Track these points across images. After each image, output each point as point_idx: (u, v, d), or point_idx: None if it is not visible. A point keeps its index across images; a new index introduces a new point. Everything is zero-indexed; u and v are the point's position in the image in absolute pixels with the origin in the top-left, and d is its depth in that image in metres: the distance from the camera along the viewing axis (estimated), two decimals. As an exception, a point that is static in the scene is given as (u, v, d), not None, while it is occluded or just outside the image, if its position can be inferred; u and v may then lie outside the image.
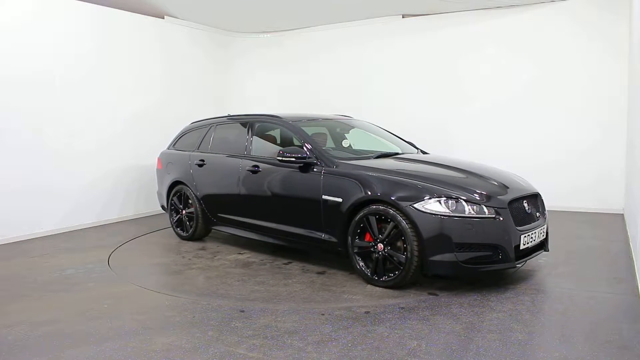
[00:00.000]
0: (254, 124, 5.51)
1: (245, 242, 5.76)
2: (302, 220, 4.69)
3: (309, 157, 4.63)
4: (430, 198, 3.87)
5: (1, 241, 5.91)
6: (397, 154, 5.10)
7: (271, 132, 5.53)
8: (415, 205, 3.87)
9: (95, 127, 6.92)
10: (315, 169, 4.57)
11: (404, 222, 3.88)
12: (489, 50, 7.67)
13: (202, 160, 5.77)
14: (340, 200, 4.32)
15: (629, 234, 5.55)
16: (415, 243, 3.84)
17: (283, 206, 4.89)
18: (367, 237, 4.14)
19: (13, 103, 6.00)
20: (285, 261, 4.99)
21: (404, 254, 3.90)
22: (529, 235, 4.03)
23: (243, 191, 5.27)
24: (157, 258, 5.34)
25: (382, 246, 4.03)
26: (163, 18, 7.99)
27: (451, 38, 7.89)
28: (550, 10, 7.23)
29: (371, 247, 4.11)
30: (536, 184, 7.25)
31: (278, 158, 4.75)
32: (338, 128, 5.67)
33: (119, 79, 7.24)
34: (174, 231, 6.16)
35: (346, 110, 7.51)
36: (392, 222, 3.95)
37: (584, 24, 7.05)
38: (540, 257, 4.84)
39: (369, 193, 4.13)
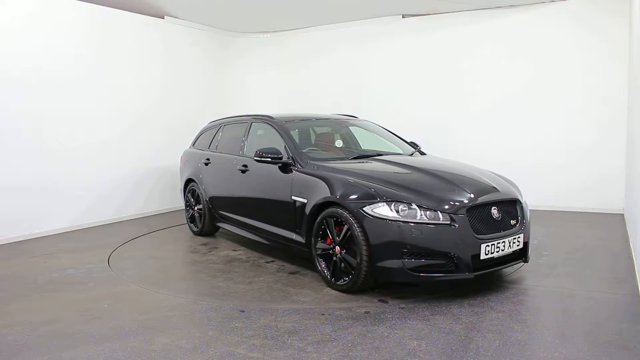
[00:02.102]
0: (250, 124, 5.62)
1: (246, 240, 5.78)
2: (278, 220, 4.75)
3: (284, 157, 4.67)
4: (379, 202, 3.74)
5: (1, 241, 5.91)
6: (380, 154, 4.93)
7: (264, 133, 5.56)
8: (365, 209, 3.76)
9: (95, 127, 6.92)
10: (291, 169, 4.61)
11: (355, 226, 3.78)
12: (489, 50, 7.68)
13: (208, 159, 6.00)
14: (305, 201, 4.32)
15: (629, 234, 5.55)
16: (364, 247, 3.73)
17: (265, 205, 4.98)
18: (329, 239, 4.09)
19: (13, 103, 6.00)
20: (269, 259, 5.07)
21: (356, 259, 3.82)
22: (493, 244, 3.75)
23: (236, 190, 5.45)
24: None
25: (339, 249, 3.97)
26: (163, 18, 7.99)
27: (451, 38, 7.89)
28: (550, 10, 7.23)
29: (330, 250, 4.07)
30: (536, 184, 7.37)
31: (255, 158, 4.82)
32: (332, 128, 5.65)
33: (119, 79, 7.24)
34: (188, 226, 6.45)
35: (346, 110, 7.52)
36: (346, 225, 3.87)
37: (583, 24, 7.05)
38: (540, 257, 4.85)
39: (328, 195, 4.09)
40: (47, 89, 6.34)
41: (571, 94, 7.17)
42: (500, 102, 7.62)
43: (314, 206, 4.19)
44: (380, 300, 3.78)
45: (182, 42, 8.33)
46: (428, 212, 3.67)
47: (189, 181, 6.35)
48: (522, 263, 4.23)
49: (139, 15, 7.52)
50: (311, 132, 5.51)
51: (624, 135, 6.82)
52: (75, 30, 6.67)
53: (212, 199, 5.87)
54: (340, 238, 3.95)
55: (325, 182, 4.18)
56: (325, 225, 4.08)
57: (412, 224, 3.63)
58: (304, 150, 4.82)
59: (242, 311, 3.64)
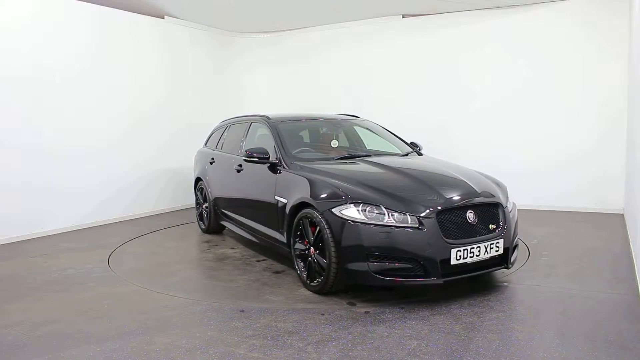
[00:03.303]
0: (250, 124, 5.69)
1: (246, 238, 5.80)
2: (266, 219, 4.78)
3: (271, 157, 4.72)
4: (348, 203, 3.70)
5: (1, 241, 5.91)
6: (370, 155, 4.91)
7: (262, 133, 5.59)
8: (334, 210, 3.73)
9: (95, 127, 6.92)
10: (278, 169, 4.64)
11: (325, 227, 3.76)
12: (489, 50, 7.68)
13: (213, 159, 6.15)
14: (286, 201, 4.33)
15: (629, 234, 5.55)
16: (333, 249, 3.70)
17: (254, 205, 5.06)
18: (306, 240, 4.08)
19: (13, 103, 6.00)
20: (261, 258, 5.12)
21: (326, 260, 3.80)
22: (466, 249, 3.62)
23: (233, 189, 5.55)
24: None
25: (314, 250, 3.96)
26: (163, 18, 7.99)
27: (451, 38, 7.89)
28: (550, 10, 7.23)
29: (306, 251, 4.07)
30: (536, 184, 7.38)
31: (244, 158, 4.86)
32: (328, 128, 5.64)
33: (118, 79, 7.24)
34: (197, 224, 6.62)
35: (346, 110, 7.52)
36: (318, 227, 3.85)
37: (583, 24, 7.05)
38: (540, 257, 4.85)
39: (303, 196, 4.10)
40: (47, 89, 6.34)
41: (571, 94, 7.17)
42: (500, 102, 7.62)
43: (292, 207, 4.20)
44: (348, 303, 3.75)
45: (182, 42, 8.33)
46: (396, 215, 3.60)
47: (197, 180, 6.51)
48: (504, 269, 4.00)
49: (139, 15, 7.52)
50: (307, 132, 5.54)
51: (624, 135, 6.82)
52: (75, 30, 6.67)
53: (216, 198, 6.00)
54: (314, 239, 3.95)
55: (303, 183, 4.20)
56: (302, 226, 4.09)
57: (378, 227, 3.57)
58: (295, 151, 4.86)
59: (242, 311, 3.64)
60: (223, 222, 5.97)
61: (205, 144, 6.74)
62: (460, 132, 7.87)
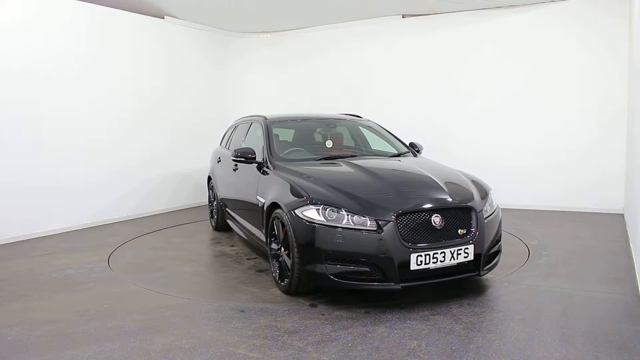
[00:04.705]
0: (250, 124, 5.74)
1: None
2: (252, 218, 4.84)
3: (257, 157, 4.78)
4: (309, 205, 3.69)
5: (1, 241, 5.91)
6: (355, 156, 4.89)
7: (260, 133, 5.59)
8: (296, 211, 3.73)
9: (95, 127, 6.92)
10: (262, 169, 4.69)
11: (290, 228, 3.76)
12: (489, 50, 7.68)
13: (220, 158, 6.30)
14: (264, 201, 4.35)
15: (629, 234, 5.55)
16: (295, 250, 3.69)
17: (243, 204, 5.15)
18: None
19: (13, 102, 6.01)
20: (253, 257, 5.20)
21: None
22: (428, 254, 3.50)
23: (232, 188, 5.66)
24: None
25: (284, 250, 3.95)
26: (163, 18, 7.99)
27: (451, 38, 7.89)
28: (550, 10, 7.23)
29: (278, 250, 4.08)
30: (536, 184, 7.38)
31: (232, 157, 4.89)
32: (322, 128, 5.62)
33: (118, 78, 7.24)
34: (209, 221, 6.82)
35: (346, 110, 7.51)
36: (286, 227, 3.85)
37: (583, 24, 7.05)
38: (540, 257, 4.85)
39: (274, 196, 4.13)
40: (48, 88, 6.35)
41: (571, 94, 7.17)
42: (500, 102, 7.62)
43: (267, 207, 4.24)
44: (310, 305, 3.74)
45: (182, 42, 8.33)
46: (355, 217, 3.55)
47: (209, 178, 6.70)
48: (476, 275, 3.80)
49: (139, 15, 7.52)
50: (303, 132, 5.56)
51: (624, 135, 6.82)
52: (75, 30, 6.67)
53: (221, 196, 6.15)
54: (282, 239, 3.97)
55: (277, 184, 4.24)
56: (275, 226, 4.10)
57: (336, 229, 3.53)
58: (286, 151, 4.91)
59: (242, 311, 3.64)
60: (227, 220, 6.04)
61: (220, 143, 6.86)
62: (460, 132, 7.87)
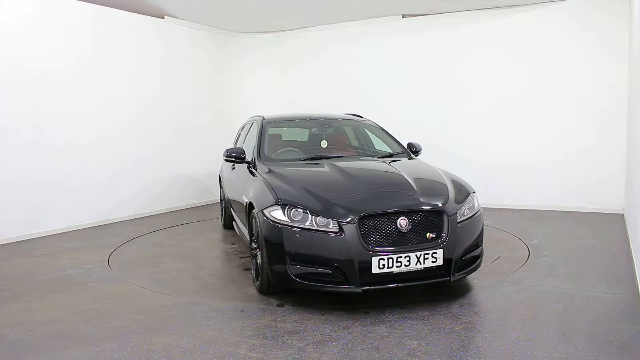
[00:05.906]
0: (252, 124, 5.77)
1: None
2: (243, 218, 4.86)
3: (246, 157, 4.84)
4: (276, 205, 3.69)
5: (1, 241, 5.91)
6: (341, 156, 4.82)
7: (257, 132, 5.61)
8: (265, 211, 3.74)
9: (95, 127, 6.92)
10: (251, 169, 4.72)
11: (260, 228, 3.78)
12: (489, 50, 7.68)
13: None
14: (247, 200, 4.37)
15: (629, 234, 5.55)
16: (264, 250, 3.72)
17: (237, 204, 5.19)
18: None
19: (13, 102, 6.01)
20: (246, 255, 5.19)
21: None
22: (391, 258, 3.41)
23: (230, 187, 5.77)
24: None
25: (259, 249, 3.94)
26: (163, 18, 7.99)
27: (451, 38, 7.89)
28: (550, 10, 7.23)
29: (255, 250, 4.08)
30: (536, 184, 7.38)
31: (224, 157, 4.97)
32: (317, 128, 5.59)
33: (118, 78, 7.24)
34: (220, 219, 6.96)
35: (346, 110, 7.51)
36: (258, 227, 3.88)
37: (583, 24, 7.05)
38: (540, 257, 4.85)
39: (252, 196, 4.16)
40: (48, 88, 6.35)
41: (571, 94, 7.17)
42: (500, 102, 7.62)
43: (247, 206, 4.28)
44: (278, 305, 3.74)
45: (182, 42, 8.33)
46: (319, 219, 3.52)
47: (220, 177, 6.82)
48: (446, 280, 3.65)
49: (139, 15, 7.52)
50: (299, 133, 5.58)
51: (624, 135, 6.82)
52: (75, 30, 6.67)
53: (226, 195, 6.25)
54: (255, 239, 3.99)
55: (257, 183, 4.27)
56: (254, 226, 4.11)
57: (298, 230, 3.52)
58: (278, 151, 4.95)
59: (242, 311, 3.64)
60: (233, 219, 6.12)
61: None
62: (460, 132, 7.87)
